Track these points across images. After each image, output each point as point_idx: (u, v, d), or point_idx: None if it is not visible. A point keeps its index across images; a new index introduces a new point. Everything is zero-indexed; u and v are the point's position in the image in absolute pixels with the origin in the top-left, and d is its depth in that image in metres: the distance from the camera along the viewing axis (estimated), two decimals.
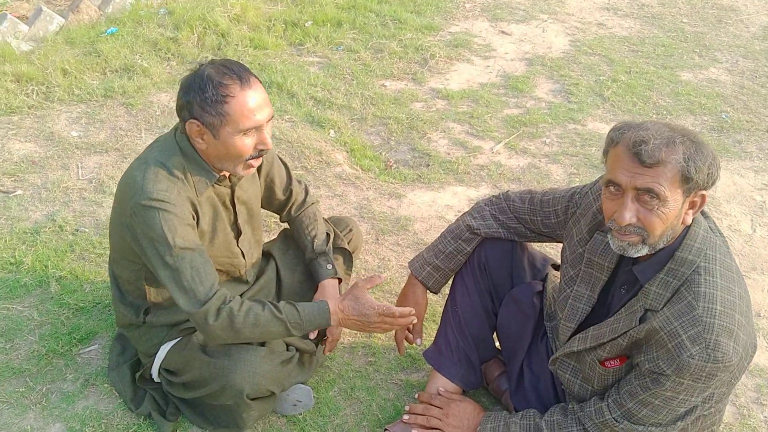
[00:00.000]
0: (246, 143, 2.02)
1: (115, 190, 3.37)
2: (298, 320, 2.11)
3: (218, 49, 4.72)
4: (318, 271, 2.50)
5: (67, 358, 2.55)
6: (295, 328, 2.11)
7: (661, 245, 1.77)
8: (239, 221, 2.29)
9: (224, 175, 2.16)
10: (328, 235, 2.59)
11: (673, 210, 1.70)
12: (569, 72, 4.87)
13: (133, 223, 2.00)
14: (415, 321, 2.22)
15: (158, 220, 1.97)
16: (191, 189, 2.07)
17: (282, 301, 2.13)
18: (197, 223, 2.11)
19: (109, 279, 2.84)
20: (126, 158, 3.64)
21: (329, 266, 2.50)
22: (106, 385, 2.46)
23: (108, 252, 3.00)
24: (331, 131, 4.02)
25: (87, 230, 3.16)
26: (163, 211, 1.97)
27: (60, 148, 3.69)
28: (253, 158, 2.07)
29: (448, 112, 4.32)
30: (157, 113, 4.03)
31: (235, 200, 2.25)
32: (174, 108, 4.04)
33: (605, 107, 4.47)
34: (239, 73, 1.99)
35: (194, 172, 2.08)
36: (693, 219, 1.79)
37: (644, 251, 1.77)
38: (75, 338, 2.61)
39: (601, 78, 4.80)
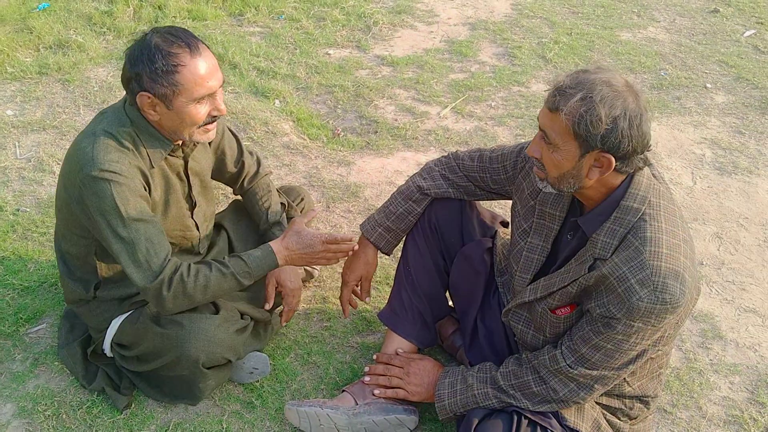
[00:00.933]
0: (200, 111, 1.98)
1: (55, 168, 3.32)
2: (245, 269, 2.10)
3: (155, 22, 4.60)
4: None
5: (15, 339, 2.48)
6: (244, 277, 2.11)
7: (566, 190, 1.84)
8: (193, 193, 2.26)
9: (177, 145, 2.11)
10: (283, 205, 2.57)
11: (565, 159, 1.76)
12: (512, 35, 4.90)
13: (83, 196, 1.94)
14: (356, 247, 2.29)
15: (109, 191, 1.92)
16: (142, 160, 2.02)
17: (226, 256, 2.11)
18: (149, 194, 2.06)
19: (54, 257, 2.79)
20: (65, 135, 3.53)
21: None
22: (56, 363, 2.41)
23: (51, 230, 2.94)
24: (276, 101, 3.97)
25: (28, 210, 3.06)
26: (115, 182, 1.92)
27: None
28: (207, 124, 2.04)
29: (394, 79, 4.30)
30: (95, 89, 3.92)
31: (189, 171, 2.21)
32: (112, 83, 3.89)
33: (548, 69, 4.51)
34: (187, 40, 1.94)
35: (148, 143, 2.03)
36: (640, 170, 1.81)
37: (549, 189, 1.87)
38: (22, 318, 2.54)
39: (543, 40, 4.84)
